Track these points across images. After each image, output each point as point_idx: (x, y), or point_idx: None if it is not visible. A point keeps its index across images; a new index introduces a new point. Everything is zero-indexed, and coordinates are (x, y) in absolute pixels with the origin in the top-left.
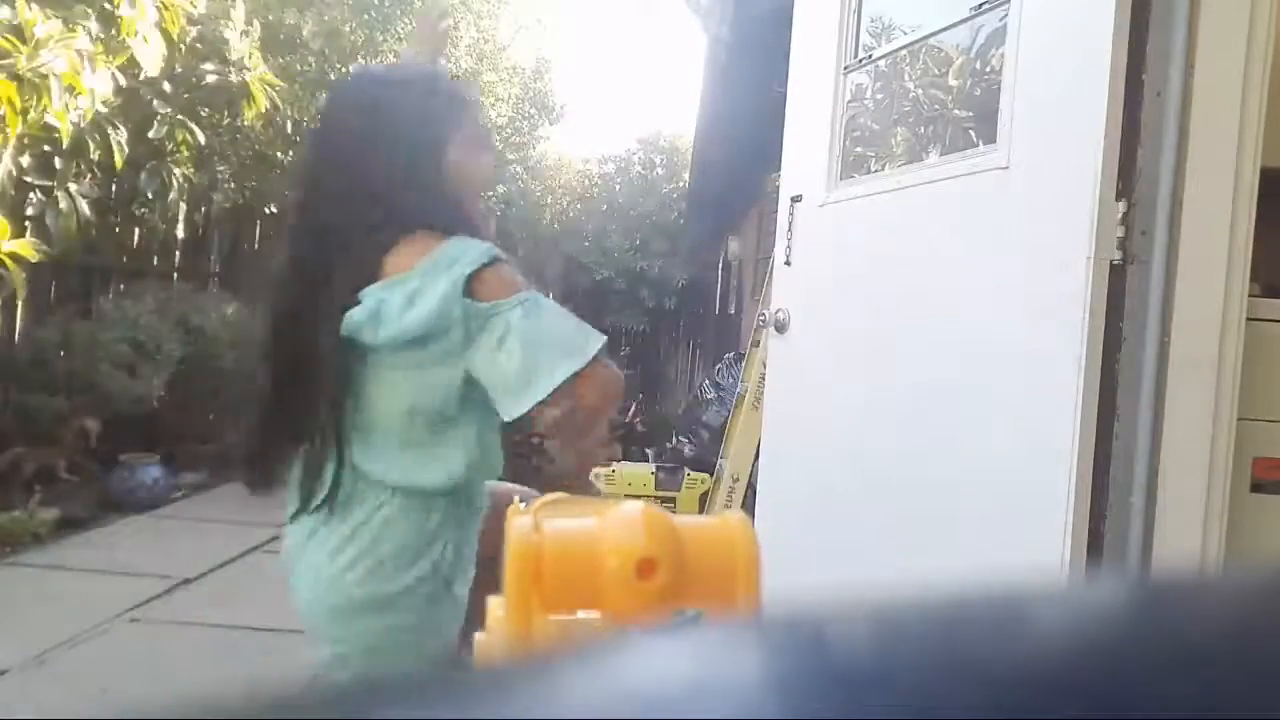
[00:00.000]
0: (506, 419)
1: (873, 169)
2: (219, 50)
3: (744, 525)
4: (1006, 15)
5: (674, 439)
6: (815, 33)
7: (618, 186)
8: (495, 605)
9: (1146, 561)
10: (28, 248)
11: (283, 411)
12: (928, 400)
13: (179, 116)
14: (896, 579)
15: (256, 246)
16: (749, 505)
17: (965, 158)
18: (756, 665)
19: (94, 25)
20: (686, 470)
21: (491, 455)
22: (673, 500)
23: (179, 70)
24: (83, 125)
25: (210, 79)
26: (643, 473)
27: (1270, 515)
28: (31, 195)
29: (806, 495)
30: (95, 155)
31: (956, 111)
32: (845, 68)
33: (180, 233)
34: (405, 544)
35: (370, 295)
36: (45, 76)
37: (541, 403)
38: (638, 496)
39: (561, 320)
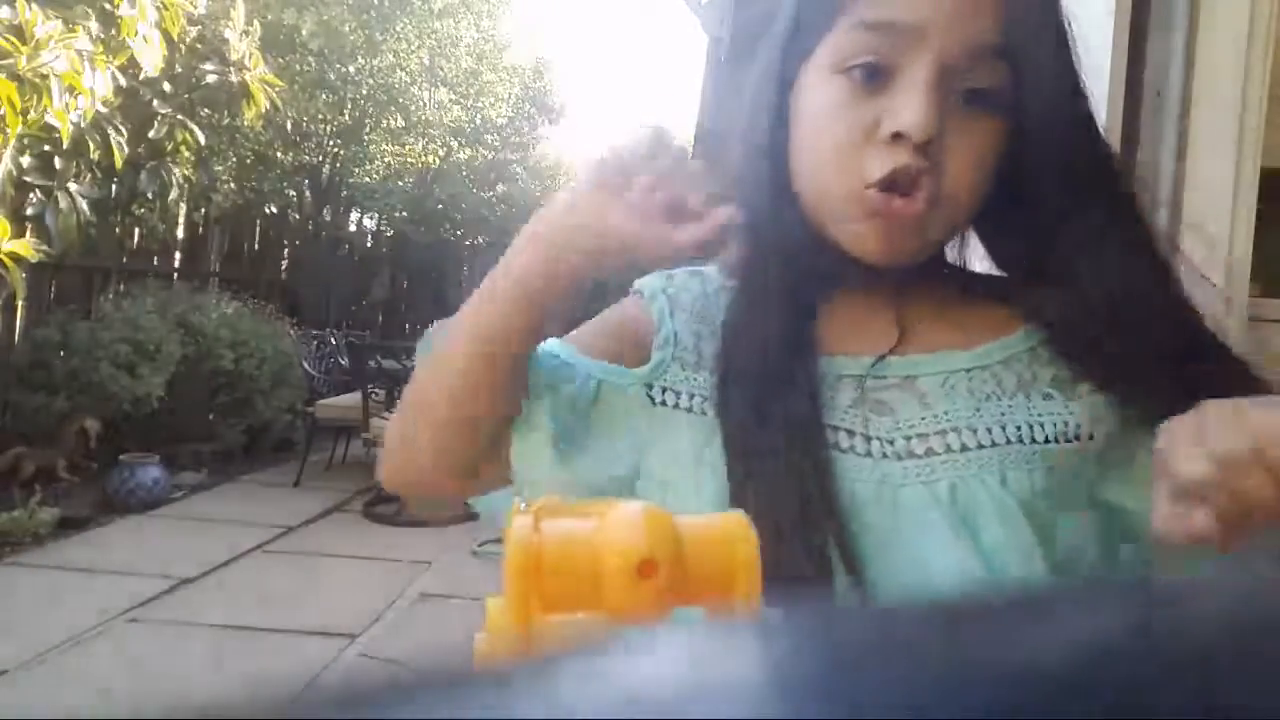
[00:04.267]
0: None
1: None
2: (219, 50)
3: (744, 525)
4: None
5: None
6: None
7: None
8: (495, 605)
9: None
10: (28, 248)
11: None
12: None
13: (179, 116)
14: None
15: (256, 246)
16: None
17: None
18: (756, 665)
19: (94, 25)
20: None
21: None
22: None
23: (179, 70)
24: (83, 125)
25: (210, 79)
26: None
27: None
28: (31, 195)
29: None
30: (95, 155)
31: None
32: None
33: (180, 233)
34: None
35: None
36: (45, 76)
37: None
38: None
39: None
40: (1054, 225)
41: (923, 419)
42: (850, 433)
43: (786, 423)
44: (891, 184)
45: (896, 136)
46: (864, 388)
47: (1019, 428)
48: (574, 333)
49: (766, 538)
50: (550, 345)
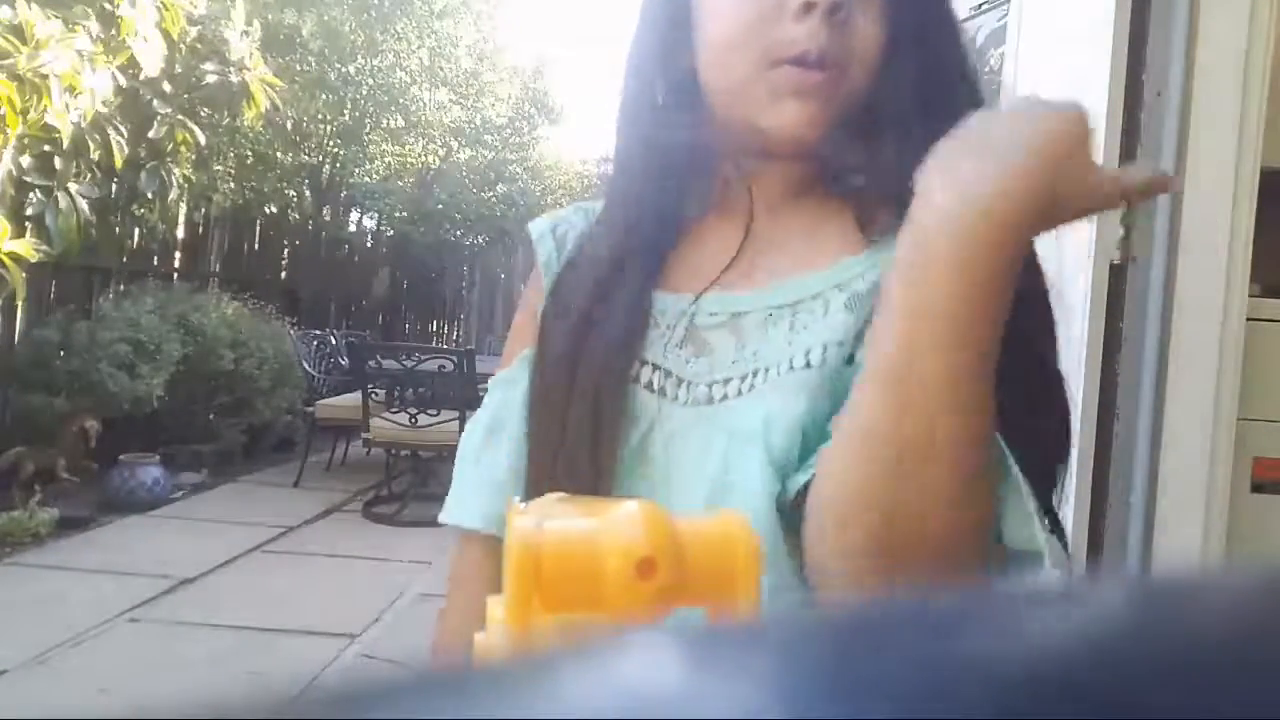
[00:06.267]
0: None
1: None
2: (219, 50)
3: (744, 525)
4: (1006, 15)
5: None
6: None
7: None
8: (495, 605)
9: (1146, 561)
10: (28, 248)
11: None
12: None
13: (179, 116)
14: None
15: (256, 246)
16: None
17: None
18: (757, 666)
19: (94, 25)
20: None
21: None
22: None
23: (179, 70)
24: (83, 125)
25: (210, 79)
26: None
27: (1270, 515)
28: (31, 195)
29: None
30: (95, 155)
31: None
32: None
33: (180, 233)
34: None
35: None
36: (45, 76)
37: None
38: None
39: None
40: (906, 127)
41: (734, 362)
42: (667, 373)
43: (600, 356)
44: (803, 59)
45: (809, 6)
46: (690, 326)
47: (824, 348)
48: (518, 331)
49: (557, 471)
50: (506, 376)
